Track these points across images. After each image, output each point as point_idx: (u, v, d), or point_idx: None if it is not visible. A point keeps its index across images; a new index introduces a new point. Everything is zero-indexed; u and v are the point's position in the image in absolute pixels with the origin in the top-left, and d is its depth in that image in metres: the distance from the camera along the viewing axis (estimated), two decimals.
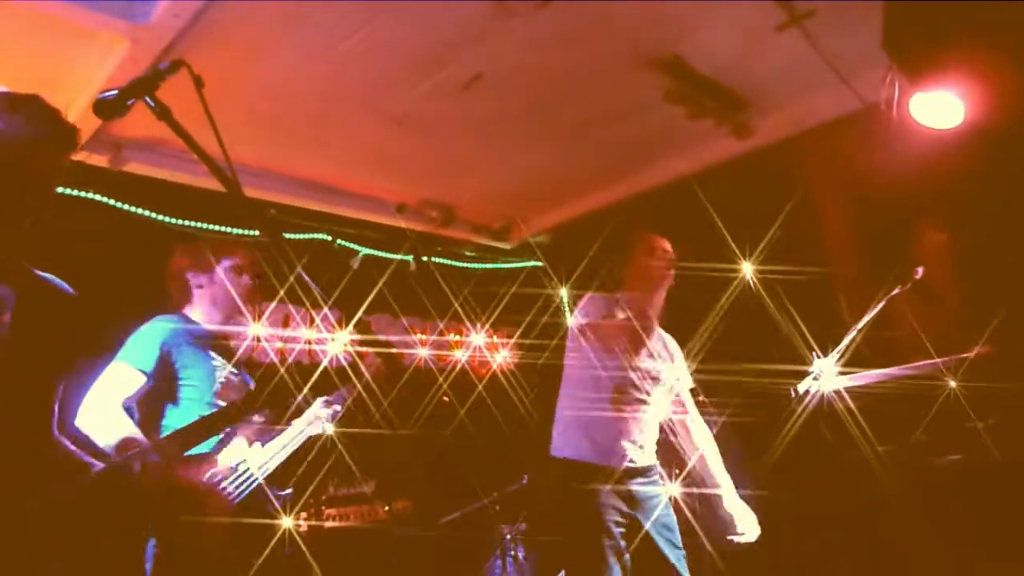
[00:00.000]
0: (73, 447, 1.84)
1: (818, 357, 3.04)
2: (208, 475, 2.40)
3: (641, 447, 3.02)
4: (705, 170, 4.21)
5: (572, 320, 3.13)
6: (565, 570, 3.23)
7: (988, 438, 2.69)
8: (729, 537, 3.03)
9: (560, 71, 3.43)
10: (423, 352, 4.38)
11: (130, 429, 2.34)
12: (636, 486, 2.93)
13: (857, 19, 3.00)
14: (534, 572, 4.00)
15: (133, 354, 2.51)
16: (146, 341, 2.55)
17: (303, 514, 3.46)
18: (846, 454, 3.03)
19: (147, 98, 1.49)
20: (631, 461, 2.96)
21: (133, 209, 3.84)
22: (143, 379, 2.48)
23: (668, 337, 3.30)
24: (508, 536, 4.01)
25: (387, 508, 3.93)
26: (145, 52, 2.86)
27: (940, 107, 3.06)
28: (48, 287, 1.77)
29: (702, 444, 3.17)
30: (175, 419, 2.51)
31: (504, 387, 4.42)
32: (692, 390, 3.28)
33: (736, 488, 3.09)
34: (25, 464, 1.59)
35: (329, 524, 3.70)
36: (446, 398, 3.84)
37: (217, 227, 4.04)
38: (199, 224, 4.00)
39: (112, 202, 3.79)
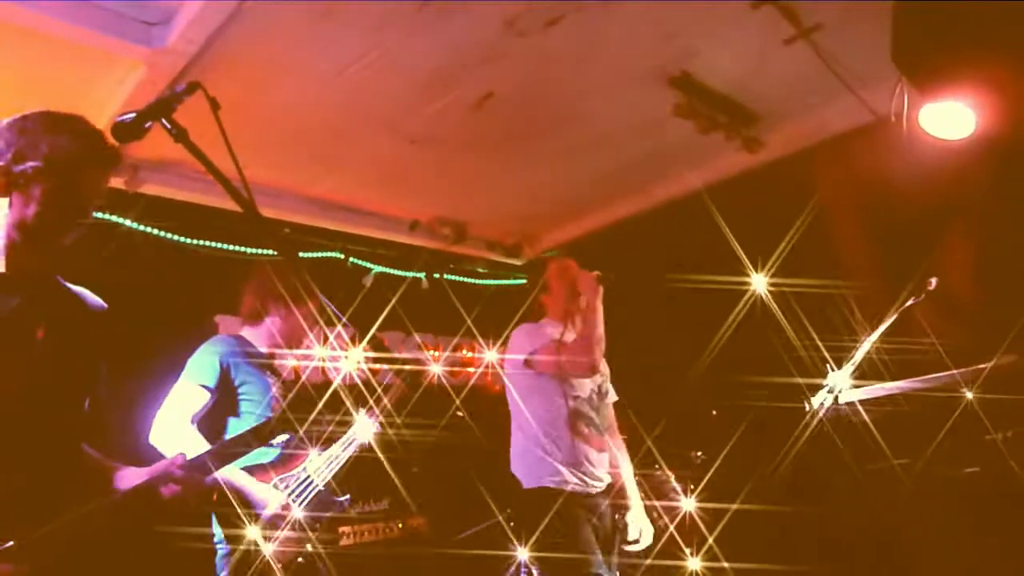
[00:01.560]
0: (99, 456, 1.86)
1: (832, 370, 3.02)
2: (273, 482, 2.60)
3: (601, 466, 3.10)
4: (717, 184, 4.22)
5: (511, 354, 3.16)
6: None
7: (1006, 450, 2.66)
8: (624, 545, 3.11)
9: (569, 89, 3.45)
10: (436, 369, 4.38)
11: (200, 444, 2.49)
12: (605, 505, 3.04)
13: (866, 31, 3.01)
14: None
15: (197, 372, 2.68)
16: (207, 359, 2.71)
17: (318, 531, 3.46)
18: (861, 468, 3.01)
19: (164, 120, 1.51)
20: (598, 480, 3.06)
21: (149, 230, 3.89)
22: (208, 395, 2.65)
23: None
24: (521, 553, 3.99)
25: (401, 526, 3.92)
26: (161, 75, 2.91)
27: (950, 118, 3.05)
28: (80, 302, 1.80)
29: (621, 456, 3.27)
30: (236, 431, 2.63)
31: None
32: (615, 403, 3.36)
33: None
34: (54, 475, 1.61)
35: (344, 542, 3.69)
36: (460, 414, 3.84)
37: (233, 246, 4.08)
38: (215, 244, 4.04)
39: (129, 223, 3.83)
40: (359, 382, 2.79)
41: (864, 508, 3.05)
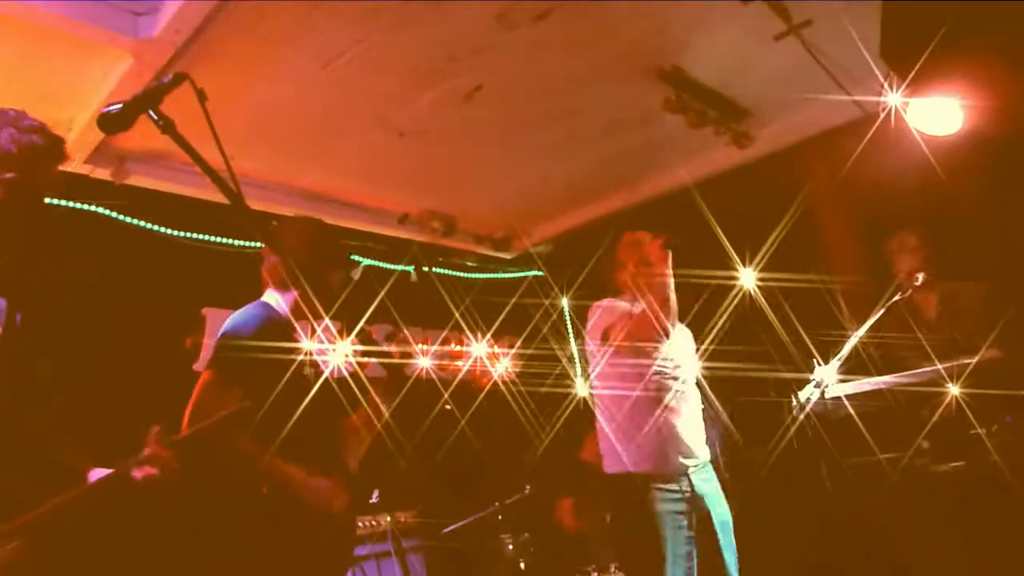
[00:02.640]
0: (70, 455, 1.86)
1: (819, 364, 3.04)
2: None
3: (693, 444, 3.02)
4: (706, 179, 4.23)
5: (592, 333, 3.13)
6: None
7: (991, 445, 2.69)
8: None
9: (560, 82, 3.45)
10: (425, 362, 4.38)
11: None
12: (697, 484, 2.95)
13: (856, 27, 3.02)
14: None
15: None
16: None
17: None
18: (848, 462, 3.03)
19: (151, 112, 1.50)
20: (688, 459, 2.97)
21: (137, 222, 3.86)
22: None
23: (682, 327, 3.31)
24: (510, 546, 4.00)
25: (389, 519, 3.92)
26: (148, 66, 2.88)
27: (939, 114, 3.07)
28: (43, 297, 1.81)
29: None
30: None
31: (506, 397, 4.42)
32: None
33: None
34: (31, 471, 1.61)
35: None
36: (448, 407, 3.84)
37: (221, 239, 4.06)
38: (203, 236, 4.01)
39: (116, 215, 3.81)
40: (346, 375, 2.75)
41: (850, 502, 3.07)
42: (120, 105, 1.50)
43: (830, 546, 3.25)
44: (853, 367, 3.03)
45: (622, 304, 3.16)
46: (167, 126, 1.50)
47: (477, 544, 4.06)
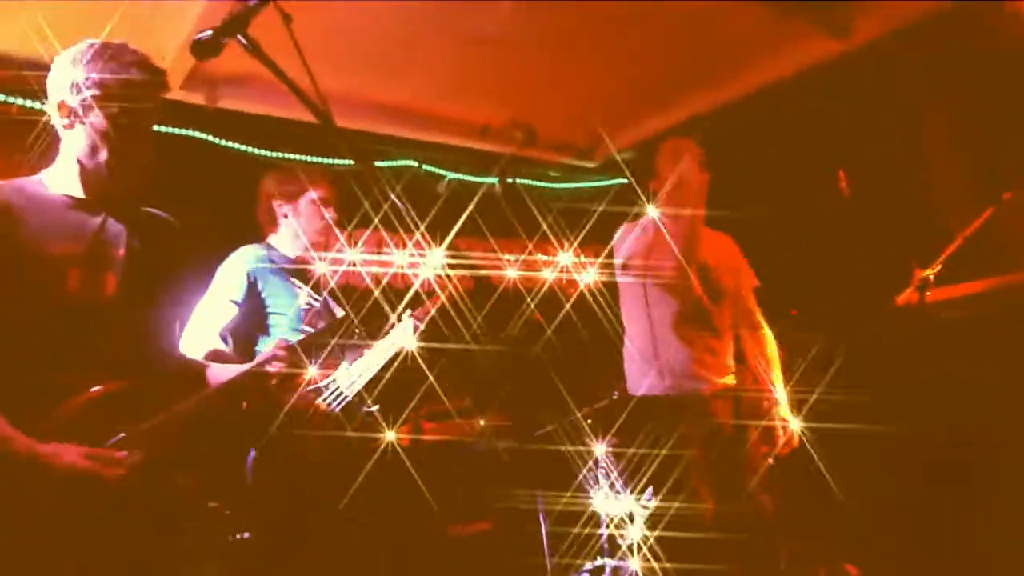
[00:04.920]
0: (191, 359, 2.04)
1: (920, 268, 2.91)
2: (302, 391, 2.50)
3: (721, 366, 2.98)
4: (798, 76, 4.01)
5: (616, 258, 3.05)
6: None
7: None
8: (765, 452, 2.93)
9: None
10: (512, 273, 4.44)
11: (227, 358, 2.47)
12: (722, 406, 2.91)
13: None
14: (624, 485, 4.10)
15: (223, 285, 2.62)
16: (234, 272, 2.64)
17: (404, 428, 3.64)
18: (950, 370, 2.90)
19: (240, 36, 1.54)
20: (706, 382, 2.92)
21: (231, 144, 4.00)
22: (235, 309, 2.59)
23: (722, 237, 3.17)
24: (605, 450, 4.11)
25: (483, 423, 4.08)
26: None
27: None
28: (156, 220, 1.93)
29: (766, 351, 3.06)
30: (264, 344, 2.63)
31: (591, 306, 4.45)
32: (756, 289, 3.16)
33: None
34: (150, 377, 1.76)
35: (428, 437, 3.89)
36: (537, 316, 3.91)
37: (311, 158, 4.16)
38: (294, 156, 4.13)
39: (211, 138, 3.95)
40: (436, 287, 2.81)
41: (957, 414, 2.92)
42: (210, 32, 1.55)
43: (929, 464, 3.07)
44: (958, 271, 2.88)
45: (646, 229, 2.99)
46: (255, 49, 1.54)
47: (567, 448, 4.19)
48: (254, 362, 1.99)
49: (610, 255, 3.14)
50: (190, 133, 3.87)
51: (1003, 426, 2.73)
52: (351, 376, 2.68)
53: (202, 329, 2.53)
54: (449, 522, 3.86)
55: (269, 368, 1.95)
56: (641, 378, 3.01)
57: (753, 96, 4.29)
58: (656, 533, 3.06)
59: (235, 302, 2.60)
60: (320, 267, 2.84)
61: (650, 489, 3.23)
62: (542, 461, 4.14)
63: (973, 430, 2.78)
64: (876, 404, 2.75)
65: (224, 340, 2.59)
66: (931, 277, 2.86)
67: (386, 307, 2.75)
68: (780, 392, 3.00)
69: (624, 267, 3.01)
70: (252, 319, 2.63)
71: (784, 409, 2.96)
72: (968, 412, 2.80)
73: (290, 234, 2.81)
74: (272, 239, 2.84)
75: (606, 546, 3.51)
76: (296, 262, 2.81)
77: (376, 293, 2.88)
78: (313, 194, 2.80)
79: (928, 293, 2.85)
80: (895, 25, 3.67)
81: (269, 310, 2.66)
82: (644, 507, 3.23)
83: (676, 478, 2.84)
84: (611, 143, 5.06)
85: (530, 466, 4.10)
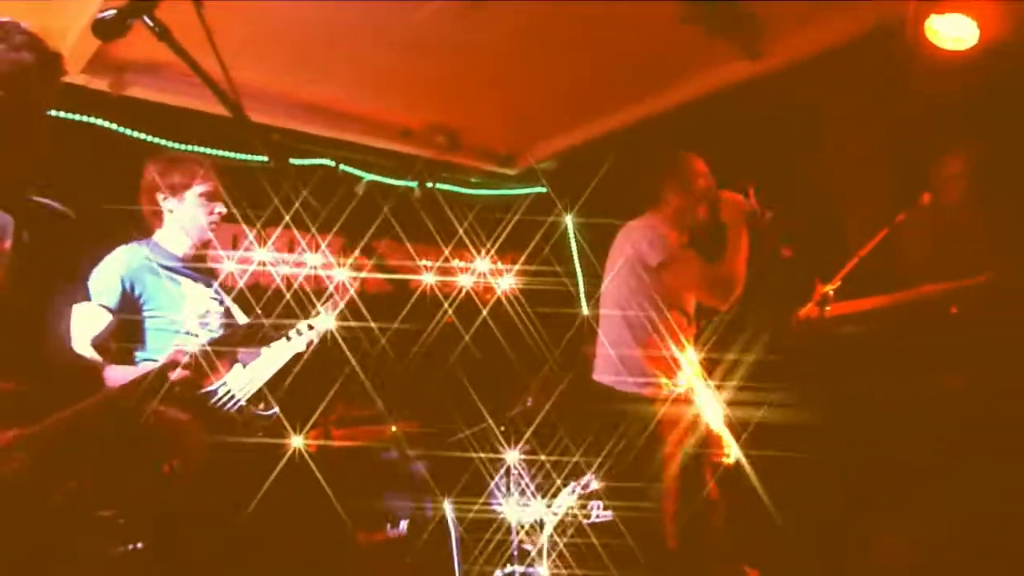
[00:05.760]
0: (87, 357, 1.93)
1: (821, 284, 3.04)
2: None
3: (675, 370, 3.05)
4: (717, 95, 4.13)
5: (643, 255, 3.03)
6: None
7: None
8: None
9: None
10: (428, 278, 4.41)
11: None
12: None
13: None
14: (535, 489, 4.12)
15: (96, 290, 2.46)
16: (107, 276, 2.49)
17: (312, 433, 3.55)
18: (850, 383, 3.03)
19: (146, 17, 1.47)
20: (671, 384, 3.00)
21: (135, 134, 3.82)
22: (108, 316, 2.44)
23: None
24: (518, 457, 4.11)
25: (394, 429, 4.02)
26: None
27: (956, 29, 2.98)
28: (45, 211, 1.81)
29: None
30: (147, 352, 2.50)
31: (508, 312, 4.47)
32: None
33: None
34: (43, 377, 1.66)
35: (337, 443, 3.81)
36: (450, 320, 3.89)
37: (222, 152, 4.02)
38: (204, 149, 3.97)
39: (115, 127, 3.76)
40: (351, 289, 2.76)
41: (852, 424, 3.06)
42: (114, 11, 1.47)
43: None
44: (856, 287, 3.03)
45: (667, 236, 3.05)
46: (163, 33, 1.47)
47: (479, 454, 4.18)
48: (156, 366, 1.90)
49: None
50: (92, 120, 3.67)
51: (892, 439, 2.87)
52: (245, 378, 2.55)
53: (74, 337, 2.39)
54: (358, 529, 3.78)
55: (170, 375, 1.86)
56: (609, 367, 3.06)
57: (671, 113, 4.39)
58: (565, 540, 3.08)
59: (108, 308, 2.45)
60: (229, 265, 2.73)
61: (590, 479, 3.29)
62: (454, 468, 4.12)
63: (865, 442, 2.92)
64: (777, 416, 2.86)
65: (104, 348, 2.42)
66: (831, 293, 3.00)
67: (296, 309, 2.67)
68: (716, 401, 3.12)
69: (653, 268, 3.00)
70: (131, 324, 2.48)
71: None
72: (862, 425, 2.94)
73: (176, 230, 2.67)
74: (158, 235, 2.68)
75: (515, 553, 3.52)
76: (186, 260, 2.67)
77: (287, 296, 2.79)
78: (199, 188, 2.66)
79: (828, 308, 3.00)
80: (806, 50, 3.83)
81: (147, 313, 2.50)
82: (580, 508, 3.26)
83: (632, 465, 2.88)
84: (532, 153, 5.10)
85: (442, 473, 4.07)
